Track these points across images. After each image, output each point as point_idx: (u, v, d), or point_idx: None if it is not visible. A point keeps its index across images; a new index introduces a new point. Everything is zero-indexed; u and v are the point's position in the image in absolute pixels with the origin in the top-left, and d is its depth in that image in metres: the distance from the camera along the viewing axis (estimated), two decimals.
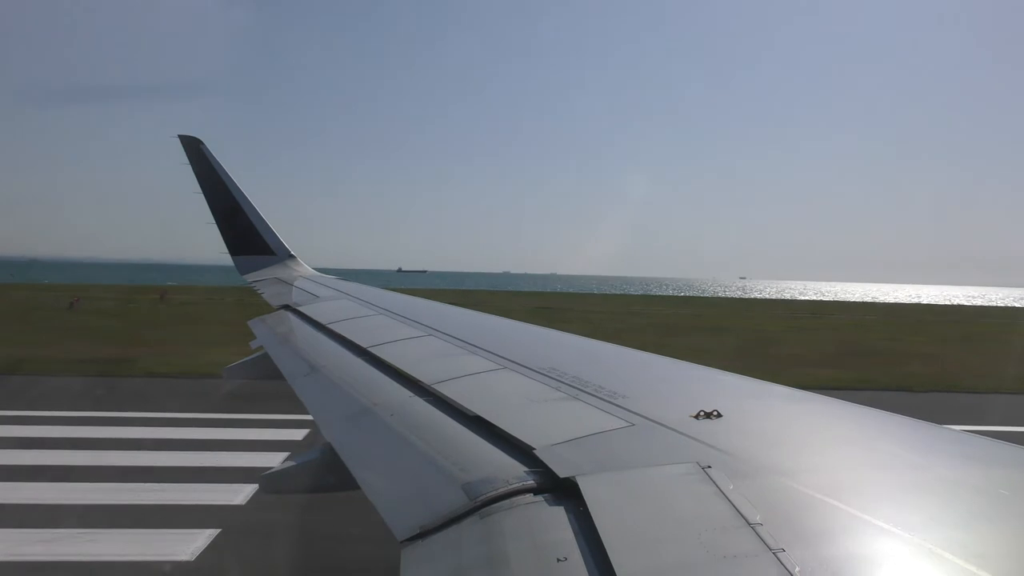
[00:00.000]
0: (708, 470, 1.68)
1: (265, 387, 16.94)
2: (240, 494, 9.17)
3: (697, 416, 2.13)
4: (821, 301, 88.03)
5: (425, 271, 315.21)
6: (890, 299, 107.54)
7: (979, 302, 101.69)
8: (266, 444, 11.74)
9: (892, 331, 38.16)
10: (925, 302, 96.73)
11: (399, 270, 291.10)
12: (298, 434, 12.32)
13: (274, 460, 10.65)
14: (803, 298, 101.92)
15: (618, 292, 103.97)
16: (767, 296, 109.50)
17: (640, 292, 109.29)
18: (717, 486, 1.58)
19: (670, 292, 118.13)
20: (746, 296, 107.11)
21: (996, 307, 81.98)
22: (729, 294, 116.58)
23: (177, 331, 27.59)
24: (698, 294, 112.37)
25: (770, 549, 1.30)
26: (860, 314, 56.79)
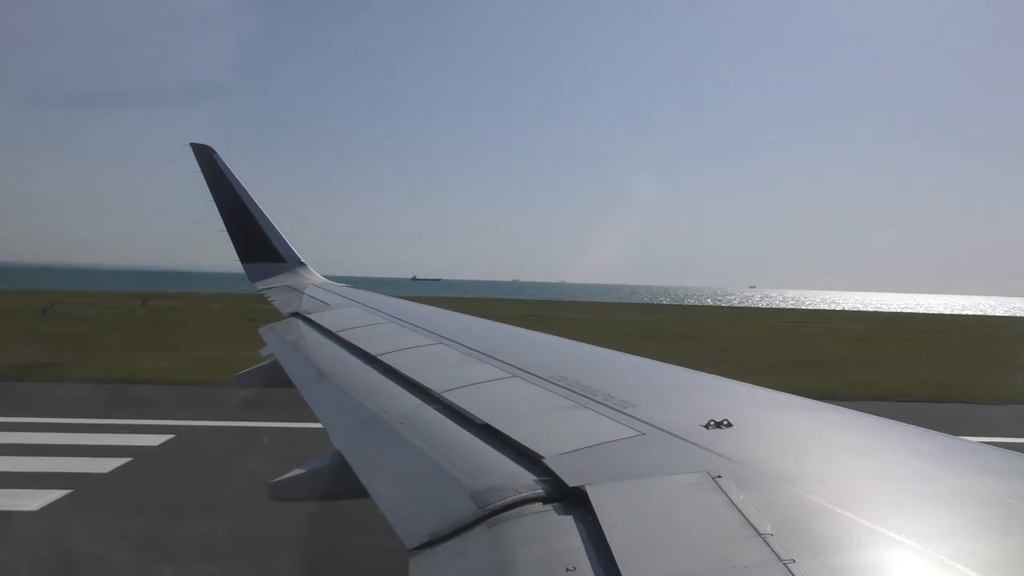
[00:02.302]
0: (718, 480, 1.68)
1: (148, 392, 16.16)
2: (38, 500, 8.77)
3: (707, 426, 2.13)
4: (817, 310, 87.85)
5: (439, 279, 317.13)
6: (893, 309, 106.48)
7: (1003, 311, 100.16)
8: (108, 450, 11.10)
9: (869, 342, 37.74)
10: (924, 311, 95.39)
11: (413, 278, 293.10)
12: (155, 439, 11.73)
13: (105, 466, 10.23)
14: (803, 308, 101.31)
15: (615, 301, 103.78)
16: (768, 306, 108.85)
17: (643, 301, 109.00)
18: (727, 496, 1.58)
19: (667, 301, 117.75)
20: (745, 305, 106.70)
21: (1001, 317, 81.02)
22: (732, 303, 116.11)
23: (127, 337, 27.17)
24: (698, 303, 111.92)
25: (780, 560, 1.30)
26: (847, 323, 56.64)
